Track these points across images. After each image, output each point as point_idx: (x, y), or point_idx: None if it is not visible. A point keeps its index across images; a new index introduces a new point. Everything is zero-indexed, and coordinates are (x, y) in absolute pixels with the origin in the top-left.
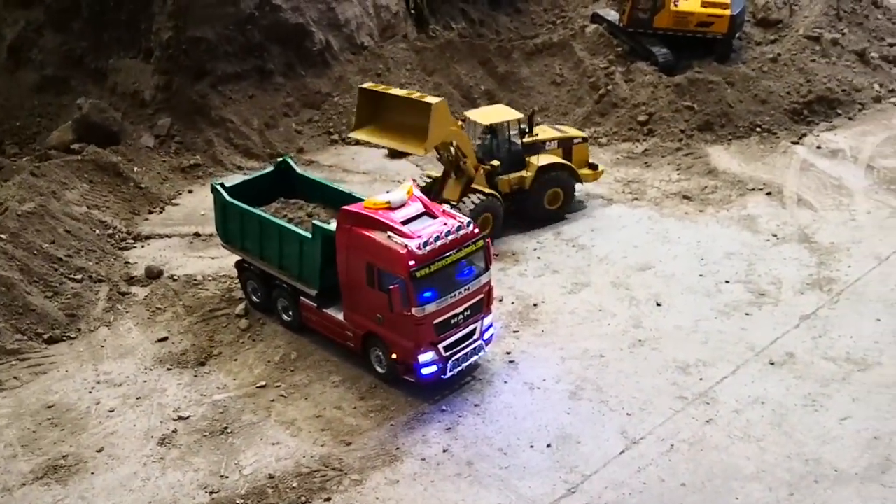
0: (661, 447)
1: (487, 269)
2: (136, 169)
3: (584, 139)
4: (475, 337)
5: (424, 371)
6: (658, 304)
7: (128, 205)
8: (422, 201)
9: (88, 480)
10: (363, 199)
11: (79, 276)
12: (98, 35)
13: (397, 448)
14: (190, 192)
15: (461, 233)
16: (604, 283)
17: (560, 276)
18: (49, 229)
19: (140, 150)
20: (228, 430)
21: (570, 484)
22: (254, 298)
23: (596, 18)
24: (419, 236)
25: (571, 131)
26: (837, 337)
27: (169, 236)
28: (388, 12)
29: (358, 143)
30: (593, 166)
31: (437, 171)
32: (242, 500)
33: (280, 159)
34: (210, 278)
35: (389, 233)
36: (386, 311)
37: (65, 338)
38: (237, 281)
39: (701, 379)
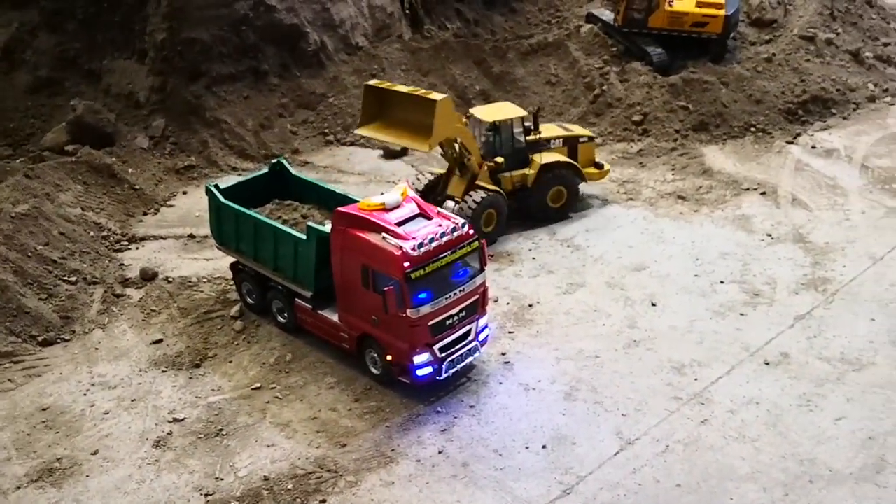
0: (657, 448)
1: (482, 270)
2: (130, 170)
3: (591, 138)
4: (470, 338)
5: (419, 372)
6: (653, 305)
7: (122, 206)
8: (416, 202)
9: (83, 483)
10: (358, 201)
11: (73, 278)
12: (92, 36)
13: (392, 449)
14: (184, 193)
15: (456, 234)
16: (599, 284)
17: (555, 276)
18: (43, 231)
19: (134, 151)
20: (223, 432)
21: (566, 485)
22: (249, 300)
23: (591, 18)
24: (414, 238)
25: (578, 130)
26: (832, 337)
27: (163, 238)
28: (382, 13)
29: (353, 143)
30: (599, 165)
31: (441, 168)
32: (237, 502)
33: (275, 161)
34: (205, 280)
35: (384, 234)
36: (381, 313)
37: (59, 340)
38: (232, 283)
39: (696, 379)
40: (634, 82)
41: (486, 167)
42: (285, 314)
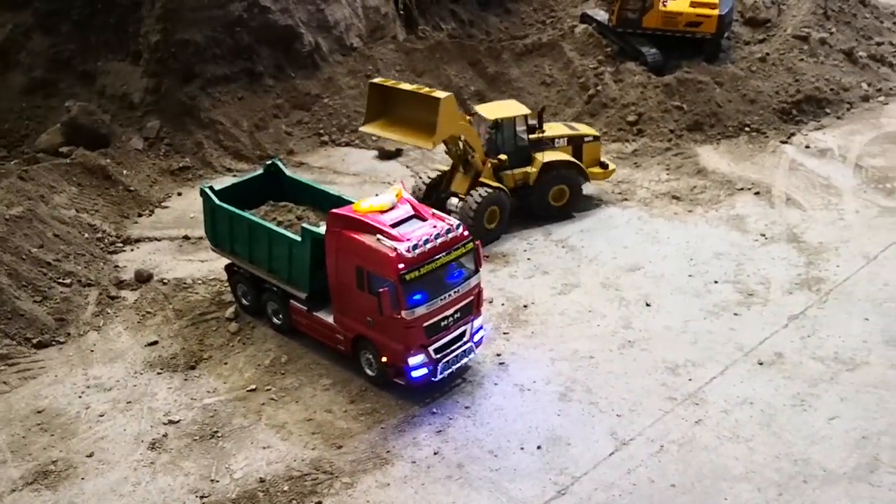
0: (651, 448)
1: (477, 271)
2: (125, 172)
3: (596, 137)
4: (465, 339)
5: (415, 374)
6: (647, 305)
7: (117, 208)
8: (411, 204)
9: (79, 486)
10: (353, 202)
11: (68, 281)
12: (86, 38)
13: (388, 451)
14: (179, 194)
15: (450, 235)
16: (593, 284)
17: (550, 277)
18: (37, 233)
19: (129, 152)
20: (219, 434)
21: (560, 486)
22: (244, 302)
23: (585, 18)
24: (408, 239)
25: (583, 129)
26: (826, 337)
27: (158, 239)
28: (377, 13)
29: (348, 144)
30: (604, 165)
31: (442, 166)
32: None
33: (269, 162)
34: (200, 282)
35: (379, 236)
36: (376, 315)
37: (54, 342)
38: (227, 284)
39: (690, 379)
40: (629, 82)
41: (489, 164)
42: (280, 316)
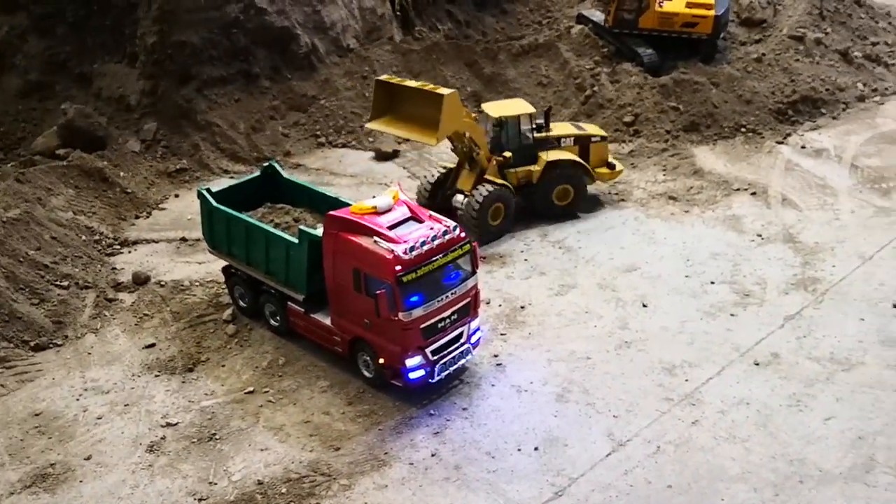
0: (648, 449)
1: (474, 272)
2: (122, 174)
3: (603, 138)
4: (462, 340)
5: (412, 375)
6: (644, 306)
7: (114, 210)
8: (408, 206)
9: (77, 489)
10: (350, 204)
11: (65, 283)
12: (82, 40)
13: (385, 453)
14: (176, 196)
15: (447, 237)
16: (590, 285)
17: (547, 277)
18: (35, 236)
19: (126, 154)
20: (217, 437)
21: (558, 487)
22: (241, 304)
23: (581, 19)
24: (405, 241)
25: (591, 129)
26: (822, 337)
27: (156, 241)
28: (373, 14)
29: (345, 145)
30: (611, 166)
31: (451, 163)
32: None
33: (266, 164)
34: (197, 284)
35: (376, 238)
36: (373, 316)
37: (51, 345)
38: (224, 286)
39: (687, 380)
40: (625, 83)
41: (494, 162)
42: (278, 318)
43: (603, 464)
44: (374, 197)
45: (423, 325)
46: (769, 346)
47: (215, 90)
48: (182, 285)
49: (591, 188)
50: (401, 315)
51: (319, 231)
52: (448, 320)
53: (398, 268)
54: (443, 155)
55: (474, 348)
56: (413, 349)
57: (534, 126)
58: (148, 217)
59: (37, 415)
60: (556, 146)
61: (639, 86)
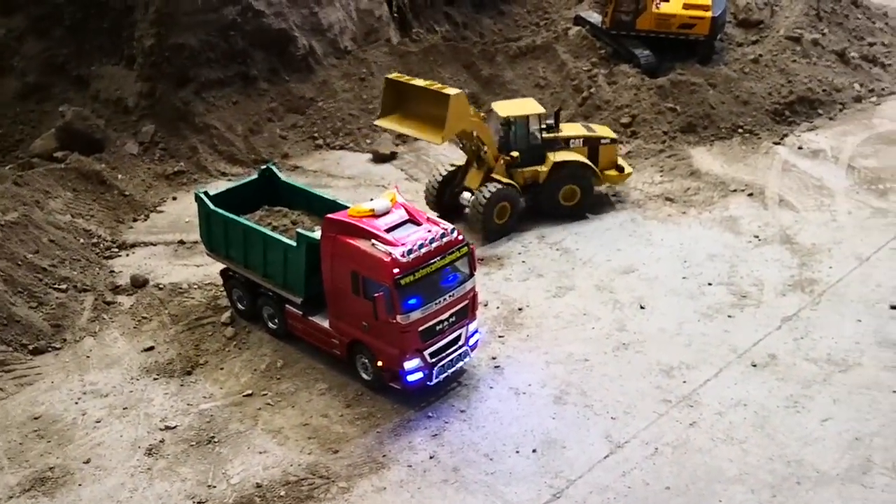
0: (646, 451)
1: (472, 275)
2: (119, 176)
3: (613, 140)
4: (460, 343)
5: (410, 378)
6: (642, 307)
7: (112, 213)
8: (405, 208)
9: (76, 492)
10: (347, 207)
11: (63, 286)
12: (80, 42)
13: (384, 455)
14: (174, 199)
15: (445, 240)
16: (588, 287)
17: (544, 279)
18: (33, 239)
19: (124, 157)
20: (215, 440)
21: (556, 489)
22: (239, 306)
23: (579, 21)
24: (403, 244)
25: (601, 131)
26: (819, 338)
27: (154, 244)
28: (371, 16)
29: (342, 147)
30: (620, 168)
31: (453, 163)
32: None
33: (264, 167)
34: (195, 286)
35: (373, 241)
36: (371, 319)
37: (50, 348)
38: (222, 289)
39: (684, 382)
40: (622, 84)
41: (501, 161)
42: (276, 320)
43: (601, 465)
44: (371, 199)
45: (421, 328)
46: (766, 347)
47: (213, 92)
48: (180, 288)
49: None
50: (399, 318)
51: (317, 234)
52: (446, 323)
53: (396, 270)
54: (440, 157)
55: (472, 350)
56: (411, 352)
57: (543, 126)
58: (146, 220)
59: (36, 418)
60: (565, 147)
61: (636, 87)
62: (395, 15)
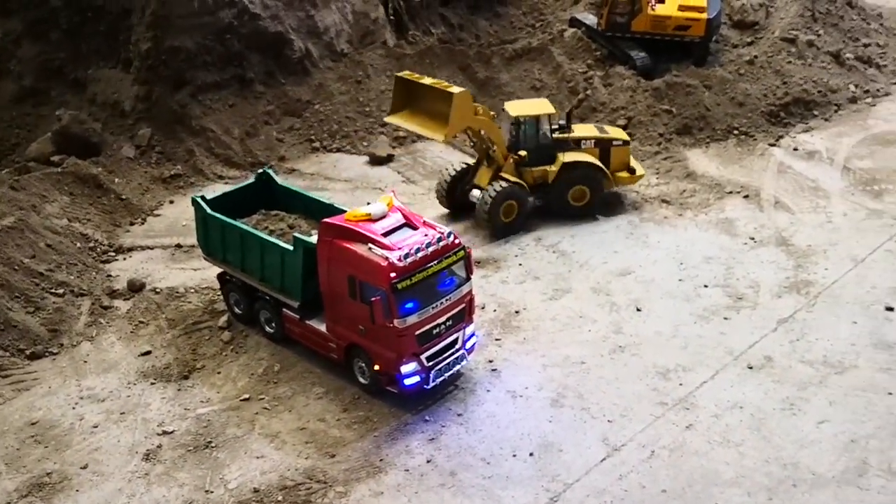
0: (642, 454)
1: (468, 278)
2: (116, 180)
3: (626, 142)
4: (457, 346)
5: (407, 382)
6: (638, 310)
7: (109, 217)
8: (402, 212)
9: (73, 498)
10: (344, 211)
11: (60, 291)
12: (76, 45)
13: (381, 459)
14: (171, 202)
15: (442, 244)
16: (584, 289)
17: (541, 282)
18: (29, 244)
19: (120, 160)
20: (213, 445)
21: (553, 493)
22: (236, 310)
23: (574, 23)
24: (400, 248)
25: (614, 132)
26: (815, 340)
27: (151, 248)
28: (367, 19)
29: (339, 150)
30: (632, 170)
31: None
32: None
33: (261, 170)
34: (192, 290)
35: (370, 245)
36: (368, 323)
37: (47, 353)
38: (219, 293)
39: (681, 384)
40: (618, 86)
41: (510, 160)
42: (273, 324)
43: (598, 469)
44: (368, 204)
45: (418, 332)
46: (762, 349)
47: (209, 95)
48: (177, 292)
49: None
50: (396, 322)
51: (314, 238)
52: (443, 326)
53: (393, 275)
54: (437, 159)
55: (469, 354)
56: (408, 355)
57: (554, 126)
58: (143, 223)
59: (33, 424)
60: (576, 147)
61: (631, 89)
62: (391, 17)
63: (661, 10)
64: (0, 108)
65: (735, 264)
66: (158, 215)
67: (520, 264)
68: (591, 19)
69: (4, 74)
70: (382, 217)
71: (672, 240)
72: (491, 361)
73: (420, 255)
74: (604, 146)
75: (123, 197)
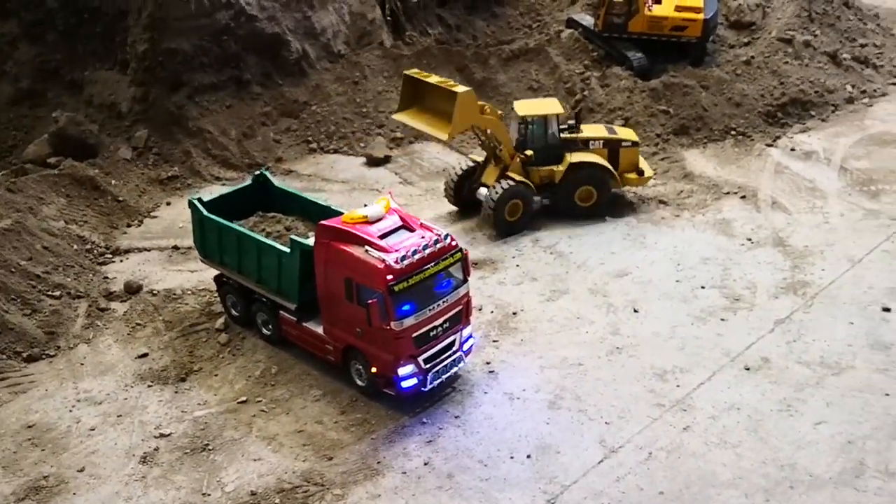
0: (640, 455)
1: (465, 280)
2: (113, 182)
3: (635, 143)
4: (455, 348)
5: (404, 384)
6: (635, 311)
7: (106, 219)
8: (399, 214)
9: (70, 501)
10: (341, 213)
11: (57, 293)
12: (73, 47)
13: (378, 462)
14: (168, 204)
15: (438, 246)
16: (582, 291)
17: (538, 283)
18: (26, 246)
19: (117, 162)
20: (210, 447)
21: (550, 495)
22: (233, 312)
23: (571, 23)
24: (397, 250)
25: (623, 133)
26: (811, 341)
27: (148, 250)
28: (363, 20)
29: (336, 151)
30: (640, 171)
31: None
32: None
33: (258, 172)
34: (189, 292)
35: (367, 247)
36: (365, 325)
37: (44, 356)
38: (216, 295)
39: (678, 386)
40: (615, 87)
41: (517, 159)
42: (270, 326)
43: (595, 471)
44: (365, 206)
45: (415, 334)
46: (759, 350)
47: (206, 97)
48: (174, 294)
49: None
50: (393, 324)
51: (311, 240)
52: (440, 328)
53: (390, 277)
54: (434, 160)
55: (466, 356)
56: (405, 358)
57: (563, 126)
58: (140, 225)
59: (30, 426)
60: (584, 148)
61: (629, 90)
62: (388, 18)
63: (657, 10)
64: None
65: (732, 265)
66: (155, 217)
67: (517, 265)
68: (587, 20)
69: (1, 76)
70: (379, 219)
71: (669, 240)
72: (488, 363)
73: (417, 257)
74: (612, 147)
75: (120, 199)
